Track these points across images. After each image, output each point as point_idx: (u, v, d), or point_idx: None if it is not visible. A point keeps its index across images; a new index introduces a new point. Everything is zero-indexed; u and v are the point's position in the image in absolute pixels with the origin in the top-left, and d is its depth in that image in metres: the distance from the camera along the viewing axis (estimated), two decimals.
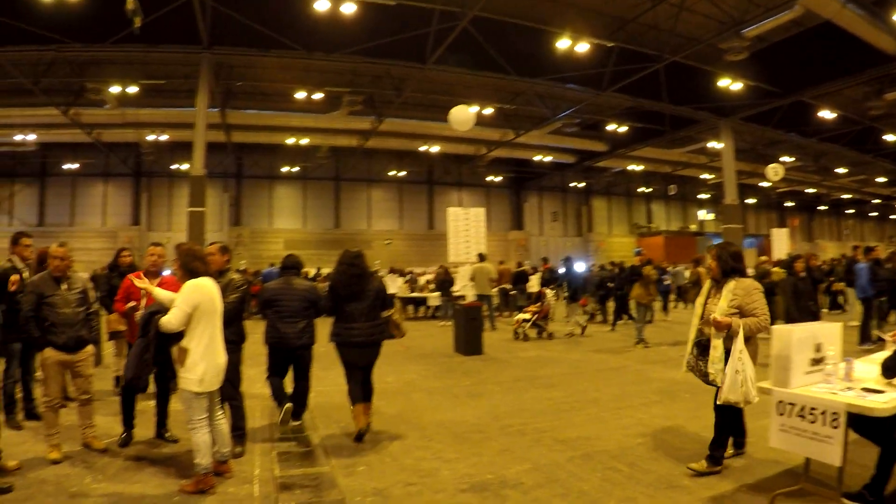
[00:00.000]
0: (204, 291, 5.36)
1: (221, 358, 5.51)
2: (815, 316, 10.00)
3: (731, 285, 5.69)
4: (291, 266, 7.75)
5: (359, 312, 7.17)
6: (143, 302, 6.56)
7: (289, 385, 7.70)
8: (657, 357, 12.90)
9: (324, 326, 7.30)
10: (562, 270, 18.98)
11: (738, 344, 5.41)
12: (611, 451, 6.38)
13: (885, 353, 5.04)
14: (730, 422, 5.92)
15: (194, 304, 5.26)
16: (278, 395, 7.54)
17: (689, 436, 6.93)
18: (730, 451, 6.05)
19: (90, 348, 6.51)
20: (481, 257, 17.46)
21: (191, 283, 5.38)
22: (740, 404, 5.43)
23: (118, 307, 6.82)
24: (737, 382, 5.35)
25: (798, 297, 10.46)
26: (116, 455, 6.28)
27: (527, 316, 15.98)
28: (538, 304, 16.54)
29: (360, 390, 7.19)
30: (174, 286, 6.41)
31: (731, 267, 5.77)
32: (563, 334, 16.25)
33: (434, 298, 21.66)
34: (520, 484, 5.54)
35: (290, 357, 7.48)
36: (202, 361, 5.26)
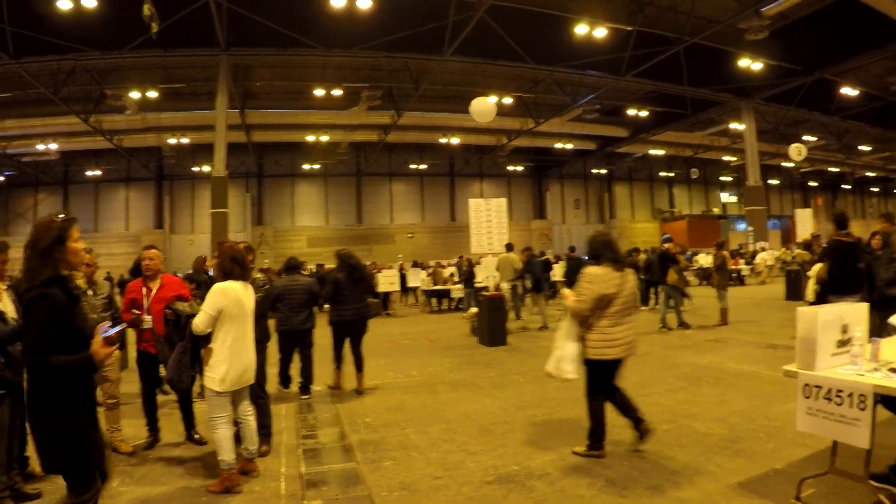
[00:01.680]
0: (229, 294, 5.41)
1: (248, 358, 5.56)
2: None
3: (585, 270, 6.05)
4: (294, 266, 9.41)
5: (352, 298, 9.38)
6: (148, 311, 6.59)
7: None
8: (682, 342, 12.81)
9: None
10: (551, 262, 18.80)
11: (563, 323, 6.05)
12: (636, 440, 6.34)
13: None
14: (590, 408, 6.05)
15: (218, 307, 5.34)
16: (284, 376, 9.38)
17: (715, 421, 6.87)
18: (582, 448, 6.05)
19: (116, 353, 6.53)
20: (509, 247, 17.41)
21: (217, 287, 5.47)
22: (553, 377, 6.02)
23: (125, 316, 6.75)
24: (553, 357, 6.00)
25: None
26: (144, 458, 6.33)
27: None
28: None
29: (354, 360, 9.38)
30: (177, 286, 6.49)
31: (594, 253, 6.14)
32: (535, 328, 16.01)
33: (457, 290, 21.65)
34: (546, 474, 5.53)
35: (296, 340, 9.02)
36: (225, 362, 5.33)
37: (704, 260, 24.98)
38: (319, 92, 25.97)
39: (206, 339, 5.44)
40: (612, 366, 5.96)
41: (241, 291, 5.53)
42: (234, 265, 5.61)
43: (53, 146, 31.59)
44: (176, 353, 5.67)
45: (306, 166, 40.34)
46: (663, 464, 5.64)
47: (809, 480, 4.72)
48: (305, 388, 9.13)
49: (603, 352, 5.82)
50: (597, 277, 5.84)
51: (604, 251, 6.02)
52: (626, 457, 5.88)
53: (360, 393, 9.14)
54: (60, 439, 3.37)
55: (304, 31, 20.01)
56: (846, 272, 8.86)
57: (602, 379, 5.99)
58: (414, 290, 24.91)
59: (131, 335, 7.65)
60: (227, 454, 5.35)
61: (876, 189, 62.47)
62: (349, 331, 9.44)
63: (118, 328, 3.57)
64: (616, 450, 6.07)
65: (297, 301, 8.83)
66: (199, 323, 5.34)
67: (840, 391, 4.21)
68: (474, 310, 16.09)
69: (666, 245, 15.23)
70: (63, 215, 3.65)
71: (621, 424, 6.53)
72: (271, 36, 20.09)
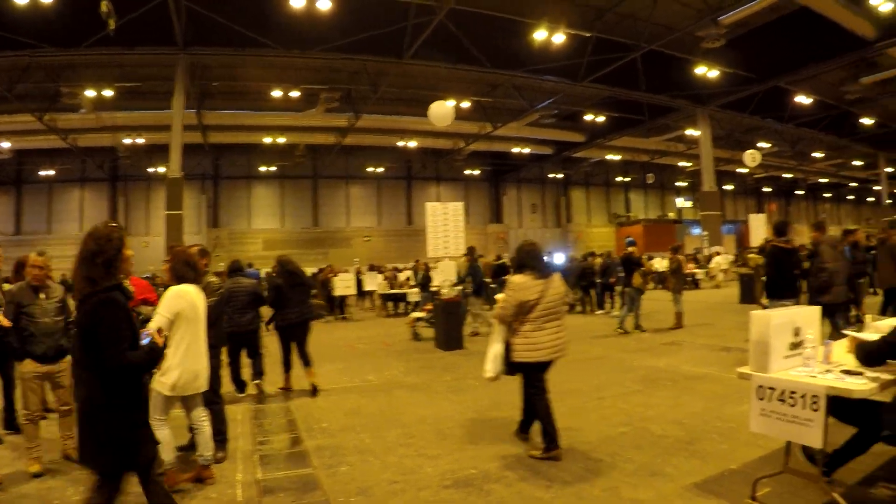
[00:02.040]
0: (186, 298, 5.34)
1: (201, 364, 5.47)
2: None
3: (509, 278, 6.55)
4: (237, 269, 9.84)
5: (294, 301, 9.65)
6: None
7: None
8: (637, 345, 12.92)
9: None
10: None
11: (494, 326, 6.59)
12: (592, 442, 6.37)
13: (866, 335, 5.04)
14: (536, 410, 6.34)
15: (175, 310, 5.25)
16: (237, 381, 9.37)
17: (671, 423, 6.92)
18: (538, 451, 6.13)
19: (69, 358, 6.36)
20: (471, 251, 17.41)
21: (173, 290, 5.38)
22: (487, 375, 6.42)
23: None
24: (487, 358, 6.46)
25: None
26: None
27: (422, 315, 15.89)
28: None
29: (301, 359, 9.58)
30: (144, 289, 6.37)
31: (520, 262, 6.47)
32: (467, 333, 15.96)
33: (414, 294, 21.61)
34: (503, 477, 5.52)
35: (244, 341, 9.25)
36: (178, 367, 5.25)
37: (660, 264, 25.27)
38: (277, 93, 25.77)
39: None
40: (539, 368, 6.23)
41: (195, 295, 5.46)
42: (188, 269, 5.56)
43: (6, 145, 30.88)
44: None
45: (263, 168, 39.91)
46: (620, 465, 5.67)
47: (764, 480, 4.78)
48: (258, 374, 9.50)
49: (527, 355, 6.12)
50: (518, 285, 6.19)
51: (528, 260, 6.36)
52: (582, 458, 5.90)
53: (314, 388, 9.36)
54: (117, 440, 3.59)
55: (262, 32, 19.84)
56: (783, 277, 9.22)
57: (530, 379, 6.32)
58: (370, 293, 24.80)
59: None
60: (166, 454, 5.27)
61: (829, 195, 63.80)
62: (294, 333, 9.69)
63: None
64: (572, 452, 6.09)
65: (242, 303, 9.08)
66: (153, 327, 5.21)
67: (793, 392, 4.27)
68: (415, 314, 16.11)
69: (630, 248, 15.36)
70: (115, 224, 3.91)
71: (579, 426, 6.55)
72: (229, 36, 19.87)
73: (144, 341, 3.71)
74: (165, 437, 5.30)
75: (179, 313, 5.28)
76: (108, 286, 3.58)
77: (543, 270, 6.32)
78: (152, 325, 5.17)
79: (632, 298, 14.91)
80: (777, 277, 9.27)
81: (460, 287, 15.36)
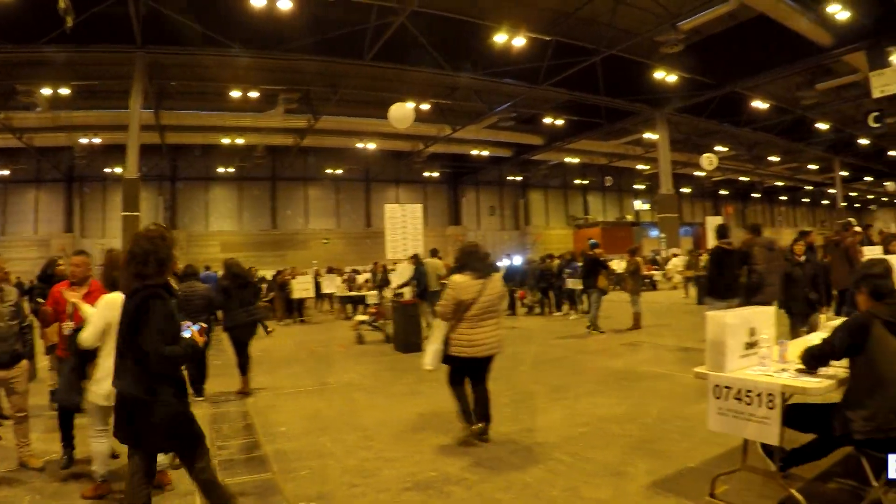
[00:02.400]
0: (117, 306, 5.22)
1: None
2: (812, 307, 9.47)
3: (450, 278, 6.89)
4: (192, 273, 9.97)
5: (241, 303, 9.78)
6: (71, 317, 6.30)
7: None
8: (596, 346, 12.99)
9: None
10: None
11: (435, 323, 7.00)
12: (552, 442, 6.38)
13: (820, 335, 5.12)
14: (453, 395, 6.75)
15: (107, 320, 5.07)
16: (195, 386, 9.19)
17: (630, 423, 6.97)
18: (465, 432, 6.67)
19: (24, 363, 6.12)
20: (433, 252, 17.40)
21: (105, 299, 5.24)
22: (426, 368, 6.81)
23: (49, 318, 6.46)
24: (426, 352, 6.91)
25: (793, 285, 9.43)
26: (55, 473, 6.00)
27: (365, 318, 15.93)
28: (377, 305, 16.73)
29: (239, 363, 9.74)
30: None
31: (461, 262, 6.81)
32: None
33: (372, 297, 21.53)
34: (463, 479, 5.51)
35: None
36: (110, 377, 5.13)
37: (618, 266, 25.51)
38: (236, 94, 25.53)
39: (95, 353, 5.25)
40: (472, 363, 6.57)
41: None
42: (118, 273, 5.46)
43: None
44: (66, 372, 5.51)
45: (221, 170, 39.46)
46: (580, 466, 5.69)
47: (723, 477, 4.83)
48: (199, 390, 9.29)
49: (462, 350, 6.48)
50: (457, 285, 6.54)
51: (468, 261, 6.70)
52: (542, 459, 5.91)
53: (244, 394, 9.48)
54: (176, 422, 3.97)
55: (222, 31, 19.62)
56: (723, 277, 9.71)
57: (460, 372, 6.66)
58: (329, 296, 24.64)
59: (40, 345, 7.38)
60: (101, 467, 5.26)
61: (784, 198, 64.84)
62: (241, 334, 9.83)
63: (197, 326, 4.17)
64: (532, 453, 6.11)
65: (197, 307, 9.07)
66: (86, 336, 5.11)
67: (749, 391, 4.32)
68: (358, 317, 16.10)
69: (596, 250, 15.49)
70: (164, 226, 4.30)
71: (539, 427, 6.57)
72: (189, 34, 19.63)
73: (185, 333, 4.03)
74: (103, 450, 5.27)
75: (111, 323, 5.14)
76: (156, 283, 3.93)
77: (482, 271, 6.63)
78: (83, 334, 5.11)
79: (598, 299, 15.06)
80: (718, 278, 9.72)
81: (408, 289, 15.40)
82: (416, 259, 16.55)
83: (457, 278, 6.58)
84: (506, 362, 11.57)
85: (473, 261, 6.66)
